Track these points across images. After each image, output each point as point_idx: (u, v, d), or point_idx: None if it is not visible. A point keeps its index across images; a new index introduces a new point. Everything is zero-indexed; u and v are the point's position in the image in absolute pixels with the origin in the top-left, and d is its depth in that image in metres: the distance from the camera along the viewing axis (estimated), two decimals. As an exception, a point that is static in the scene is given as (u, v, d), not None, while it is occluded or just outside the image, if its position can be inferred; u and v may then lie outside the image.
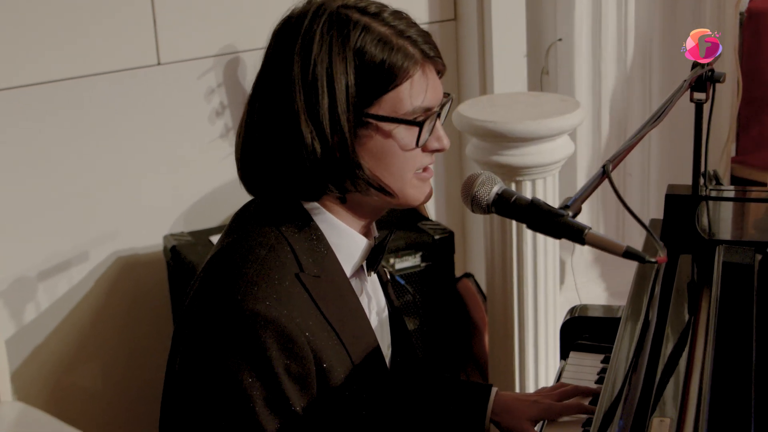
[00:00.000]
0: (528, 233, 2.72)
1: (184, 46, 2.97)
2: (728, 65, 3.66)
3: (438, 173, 3.49)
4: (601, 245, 1.34)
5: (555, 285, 2.84)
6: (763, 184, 3.68)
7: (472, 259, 3.59)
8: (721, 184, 2.06)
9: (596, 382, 1.80)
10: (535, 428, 1.70)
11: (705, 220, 1.92)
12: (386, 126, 1.43)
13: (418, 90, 1.44)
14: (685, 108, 1.97)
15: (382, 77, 1.41)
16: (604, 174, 1.41)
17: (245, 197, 1.57)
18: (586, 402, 1.71)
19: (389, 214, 1.61)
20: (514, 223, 2.71)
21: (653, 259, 1.32)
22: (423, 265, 2.92)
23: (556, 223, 1.36)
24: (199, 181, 3.07)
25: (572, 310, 2.00)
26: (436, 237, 2.94)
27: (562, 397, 1.73)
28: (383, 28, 1.43)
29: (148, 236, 3.02)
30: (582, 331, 1.95)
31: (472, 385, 1.76)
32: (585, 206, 1.42)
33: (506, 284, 2.78)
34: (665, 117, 1.65)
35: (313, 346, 1.40)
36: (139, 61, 2.91)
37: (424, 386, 1.75)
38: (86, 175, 2.89)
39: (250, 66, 3.04)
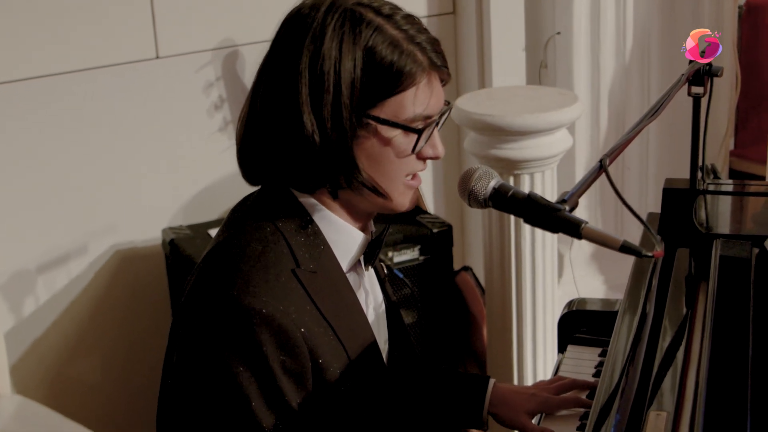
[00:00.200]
0: (526, 227, 2.71)
1: (183, 39, 2.96)
2: (727, 59, 3.65)
3: (437, 167, 3.49)
4: (598, 239, 1.34)
5: (553, 278, 2.84)
6: (762, 178, 3.67)
7: (471, 252, 3.59)
8: (719, 178, 2.06)
9: (594, 376, 1.80)
10: (533, 421, 1.71)
11: (702, 214, 1.93)
12: (385, 129, 1.43)
13: (422, 98, 1.44)
14: (683, 102, 1.97)
15: (388, 80, 1.41)
16: (601, 168, 1.41)
17: (244, 191, 1.57)
18: (583, 395, 1.71)
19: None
20: (512, 216, 2.71)
21: (650, 254, 1.32)
22: (421, 258, 2.92)
23: (553, 217, 1.36)
24: (197, 175, 3.07)
25: (570, 303, 2.00)
26: (435, 230, 2.93)
27: (559, 390, 1.73)
28: (395, 31, 1.43)
29: (146, 230, 3.02)
30: (580, 325, 1.95)
31: (470, 377, 1.76)
32: (583, 200, 1.42)
33: (504, 277, 2.78)
34: (663, 111, 1.65)
35: (309, 342, 1.40)
36: (137, 55, 2.90)
37: (421, 379, 1.75)
38: (85, 169, 2.89)
39: (248, 60, 3.04)
